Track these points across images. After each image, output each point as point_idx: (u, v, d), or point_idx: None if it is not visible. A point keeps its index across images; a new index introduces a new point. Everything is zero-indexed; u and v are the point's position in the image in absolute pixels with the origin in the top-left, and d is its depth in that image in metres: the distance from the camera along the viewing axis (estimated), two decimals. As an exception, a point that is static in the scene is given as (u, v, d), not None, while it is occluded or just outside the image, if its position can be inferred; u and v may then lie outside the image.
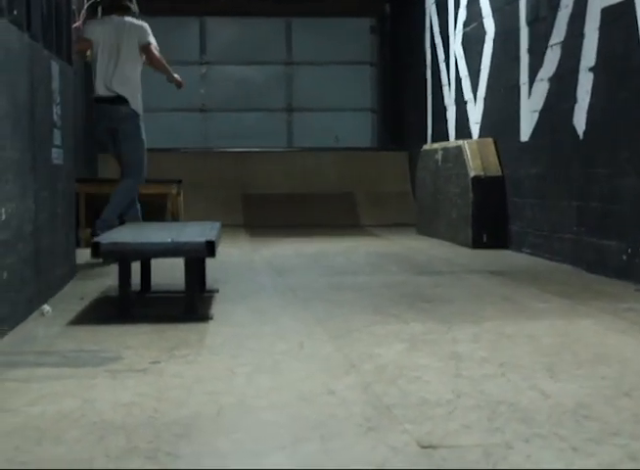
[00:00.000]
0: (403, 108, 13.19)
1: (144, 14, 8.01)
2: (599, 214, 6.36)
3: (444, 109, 10.56)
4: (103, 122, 7.59)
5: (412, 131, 12.56)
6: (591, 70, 6.45)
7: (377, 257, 7.88)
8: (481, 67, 9.04)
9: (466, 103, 9.64)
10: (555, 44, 7.12)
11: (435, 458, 2.34)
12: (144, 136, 7.62)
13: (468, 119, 9.56)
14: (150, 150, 7.81)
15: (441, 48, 10.69)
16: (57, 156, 5.60)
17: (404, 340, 3.98)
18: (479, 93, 9.18)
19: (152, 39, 7.56)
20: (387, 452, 2.39)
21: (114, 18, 7.61)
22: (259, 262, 7.51)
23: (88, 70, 11.09)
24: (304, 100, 13.97)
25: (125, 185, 7.54)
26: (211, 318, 4.60)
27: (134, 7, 7.73)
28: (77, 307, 4.97)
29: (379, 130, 14.09)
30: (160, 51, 7.75)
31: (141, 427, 2.64)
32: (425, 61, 11.48)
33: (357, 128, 14.03)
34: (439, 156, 9.60)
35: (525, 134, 7.89)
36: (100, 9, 7.97)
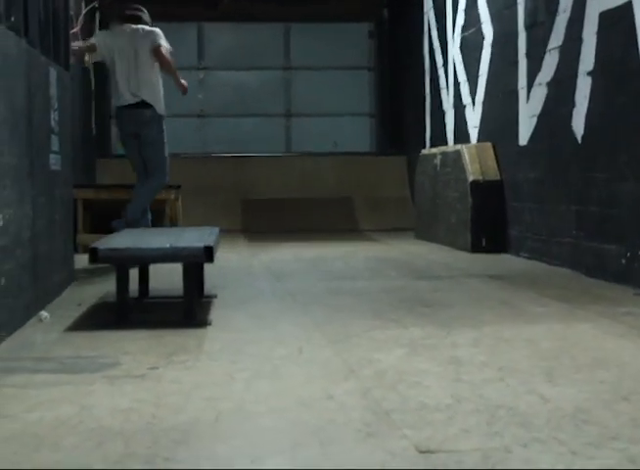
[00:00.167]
0: (402, 112, 13.20)
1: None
2: (598, 219, 6.36)
3: (443, 113, 10.57)
4: (129, 127, 7.77)
5: (411, 136, 12.57)
6: (589, 74, 6.45)
7: (376, 261, 7.88)
8: (480, 71, 9.04)
9: (464, 107, 9.65)
10: (553, 49, 7.13)
11: (434, 463, 2.33)
12: (166, 139, 7.85)
13: (466, 124, 9.56)
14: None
15: (440, 53, 10.70)
16: (54, 162, 5.60)
17: (403, 345, 3.98)
18: (477, 98, 9.18)
19: (163, 42, 7.71)
20: (385, 457, 2.38)
21: (127, 26, 7.76)
22: (258, 267, 7.50)
23: (87, 77, 11.14)
24: (303, 105, 13.96)
25: (150, 185, 7.81)
26: (210, 324, 4.59)
27: (146, 17, 7.83)
28: (75, 313, 4.96)
29: (377, 135, 14.09)
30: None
31: (139, 433, 2.63)
32: (423, 65, 11.49)
33: (356, 133, 14.02)
34: (438, 160, 9.60)
35: (523, 139, 7.89)
36: (97, 15, 8.00)
